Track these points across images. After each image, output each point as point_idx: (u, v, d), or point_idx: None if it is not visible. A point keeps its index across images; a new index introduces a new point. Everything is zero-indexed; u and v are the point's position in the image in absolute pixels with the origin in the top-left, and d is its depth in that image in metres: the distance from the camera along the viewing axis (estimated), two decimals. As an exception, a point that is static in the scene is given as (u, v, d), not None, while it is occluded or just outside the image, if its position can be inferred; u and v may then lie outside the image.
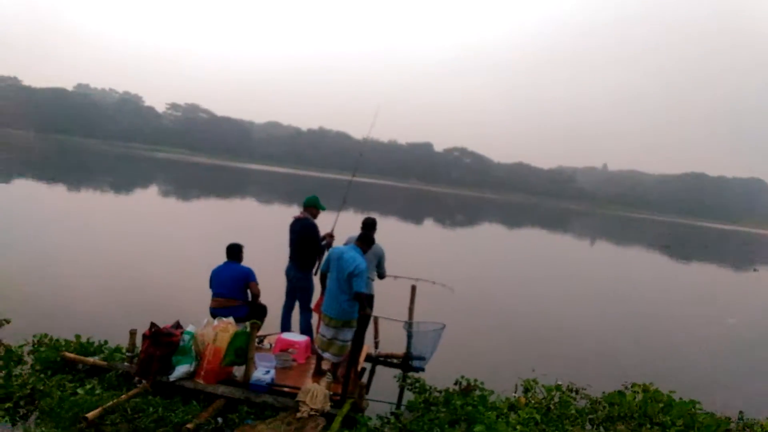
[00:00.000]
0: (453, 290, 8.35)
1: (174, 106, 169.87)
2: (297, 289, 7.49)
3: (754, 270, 35.75)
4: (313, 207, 7.66)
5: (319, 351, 6.33)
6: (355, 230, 6.85)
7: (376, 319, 7.84)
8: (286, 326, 7.64)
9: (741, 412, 7.32)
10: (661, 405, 7.06)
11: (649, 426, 6.61)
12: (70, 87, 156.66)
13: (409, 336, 7.61)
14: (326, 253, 6.72)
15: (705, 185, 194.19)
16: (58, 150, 74.61)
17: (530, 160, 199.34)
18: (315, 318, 7.26)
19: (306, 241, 7.33)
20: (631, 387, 7.74)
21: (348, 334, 6.20)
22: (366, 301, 6.84)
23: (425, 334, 7.40)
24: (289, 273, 7.49)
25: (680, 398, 7.26)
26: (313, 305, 7.35)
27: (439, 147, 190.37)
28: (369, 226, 7.00)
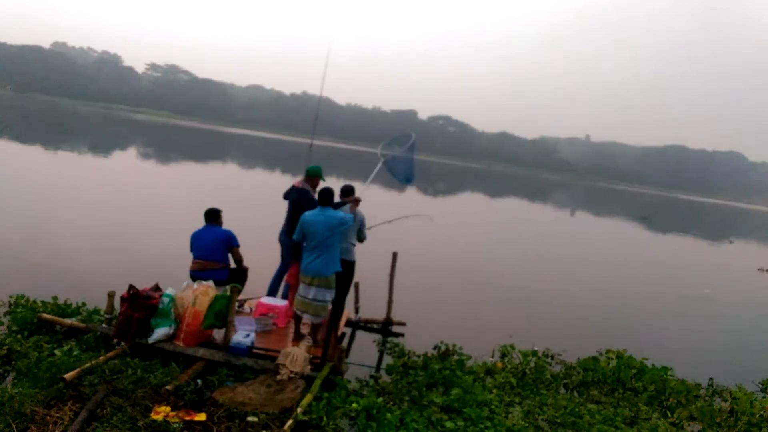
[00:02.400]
0: (432, 219, 8.52)
1: (154, 67, 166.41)
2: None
3: (730, 242, 36.47)
4: (316, 177, 7.57)
5: (299, 312, 6.37)
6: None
7: (356, 284, 7.87)
8: (273, 290, 7.62)
9: (711, 379, 7.54)
10: (634, 371, 7.23)
11: (621, 391, 6.78)
12: (46, 45, 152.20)
13: (388, 164, 7.77)
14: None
15: (686, 158, 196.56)
16: (35, 110, 72.83)
17: (514, 130, 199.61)
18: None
19: (300, 212, 7.22)
20: (605, 353, 7.90)
21: (327, 295, 6.25)
22: (350, 266, 6.92)
23: (401, 158, 7.81)
24: (282, 239, 7.44)
25: (653, 365, 7.44)
26: (286, 277, 7.35)
27: (423, 115, 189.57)
28: (347, 192, 7.18)
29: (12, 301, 6.68)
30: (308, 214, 6.32)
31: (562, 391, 6.67)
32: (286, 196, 7.56)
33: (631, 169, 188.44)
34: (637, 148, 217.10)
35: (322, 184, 7.52)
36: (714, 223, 60.21)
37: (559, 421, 5.56)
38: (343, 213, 6.42)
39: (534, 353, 7.51)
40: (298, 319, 6.54)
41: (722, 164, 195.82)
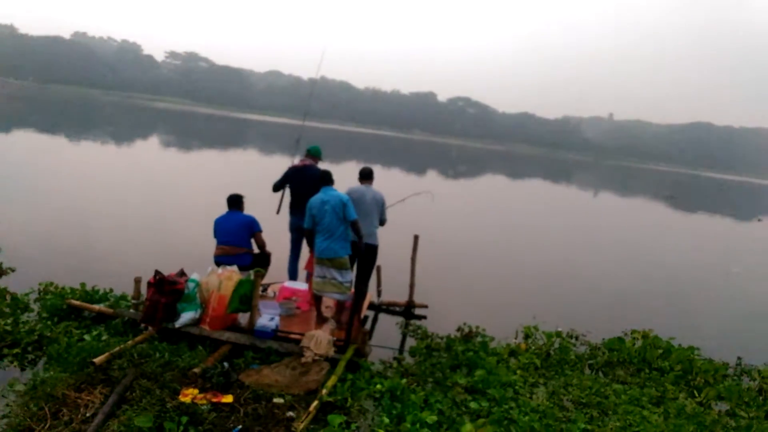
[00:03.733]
0: (433, 197, 8.73)
1: (173, 55, 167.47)
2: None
3: (758, 220, 35.71)
4: (318, 156, 7.82)
5: (319, 293, 6.45)
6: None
7: (378, 268, 7.89)
8: (293, 274, 7.73)
9: (739, 358, 7.43)
10: (660, 351, 7.15)
11: (647, 371, 6.72)
12: (67, 35, 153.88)
13: None
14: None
15: (712, 135, 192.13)
16: (57, 100, 73.89)
17: (535, 110, 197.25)
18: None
19: (314, 189, 7.22)
20: (631, 333, 7.83)
21: (346, 276, 6.34)
22: (373, 250, 6.93)
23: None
24: (297, 224, 7.46)
25: (679, 344, 7.35)
26: (304, 265, 7.39)
27: (442, 97, 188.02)
28: (367, 174, 7.18)
29: (41, 288, 6.83)
30: (314, 200, 6.37)
31: (587, 371, 6.62)
32: (285, 179, 7.64)
33: (655, 147, 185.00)
34: (662, 125, 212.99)
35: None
36: (742, 201, 58.98)
37: (584, 401, 5.53)
38: (341, 193, 6.44)
39: (558, 334, 7.47)
40: (318, 302, 6.59)
41: (749, 141, 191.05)
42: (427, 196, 8.74)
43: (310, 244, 6.67)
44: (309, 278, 7.07)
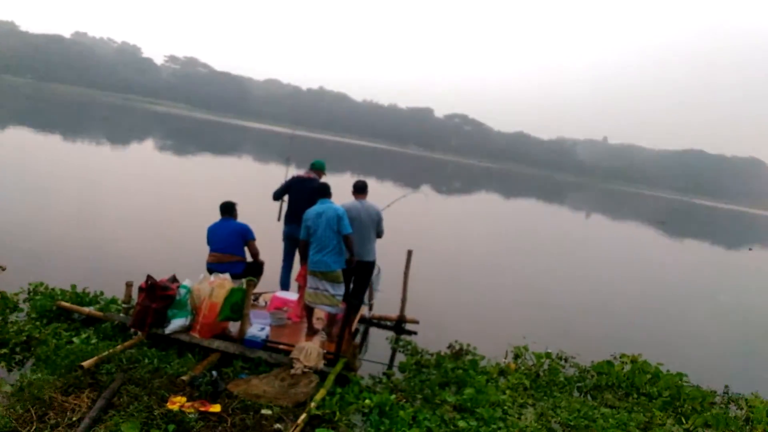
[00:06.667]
0: (426, 197, 8.69)
1: (172, 59, 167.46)
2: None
3: (749, 249, 35.98)
4: (321, 171, 7.90)
5: (311, 304, 6.42)
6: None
7: (370, 283, 7.88)
8: (285, 284, 7.71)
9: (726, 386, 7.46)
10: (648, 376, 7.17)
11: (636, 396, 6.73)
12: (67, 34, 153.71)
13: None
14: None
15: (704, 163, 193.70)
16: (55, 99, 73.70)
17: (531, 130, 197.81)
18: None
19: (312, 201, 7.23)
20: (620, 357, 7.84)
21: (338, 289, 6.32)
22: (369, 266, 6.91)
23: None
24: (291, 233, 7.47)
25: (668, 370, 7.37)
26: (295, 277, 7.38)
27: (439, 113, 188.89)
28: (360, 188, 7.09)
29: (31, 289, 6.78)
30: (310, 211, 6.39)
31: (576, 394, 6.63)
32: (286, 188, 7.70)
33: (648, 172, 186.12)
34: (655, 151, 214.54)
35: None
36: (732, 229, 59.41)
37: (572, 424, 5.53)
38: (338, 206, 6.43)
39: (548, 355, 7.48)
40: (310, 314, 6.57)
41: (741, 170, 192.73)
42: (420, 197, 8.78)
43: (303, 256, 6.65)
44: (300, 290, 7.05)
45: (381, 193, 7.61)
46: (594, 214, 46.84)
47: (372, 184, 7.48)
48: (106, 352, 5.08)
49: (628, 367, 7.44)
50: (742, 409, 6.87)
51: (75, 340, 5.43)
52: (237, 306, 5.89)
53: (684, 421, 6.14)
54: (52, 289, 6.71)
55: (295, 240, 7.16)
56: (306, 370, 5.42)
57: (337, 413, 4.86)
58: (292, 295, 7.28)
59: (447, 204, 32.48)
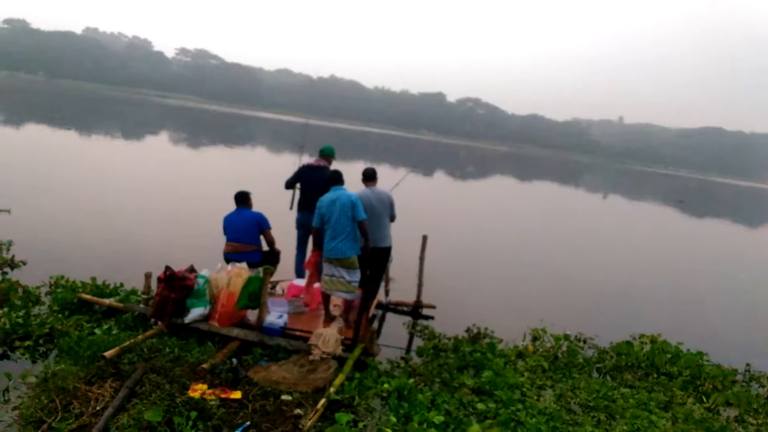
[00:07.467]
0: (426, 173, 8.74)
1: (183, 51, 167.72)
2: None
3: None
4: (331, 156, 7.92)
5: (328, 292, 6.44)
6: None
7: (387, 268, 7.89)
8: (300, 272, 7.75)
9: (748, 365, 7.39)
10: (668, 356, 7.12)
11: (655, 376, 6.69)
12: (78, 30, 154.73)
13: None
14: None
15: (723, 140, 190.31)
16: (67, 95, 74.32)
17: (545, 112, 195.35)
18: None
19: (324, 189, 7.24)
20: (639, 338, 7.80)
21: (354, 276, 6.33)
22: (385, 252, 6.91)
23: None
24: (304, 221, 7.50)
25: (688, 350, 7.32)
26: (304, 264, 7.40)
27: (452, 97, 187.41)
28: (369, 175, 7.08)
29: (53, 282, 6.89)
30: (323, 199, 6.40)
31: (595, 375, 6.60)
32: (297, 177, 7.72)
33: (665, 151, 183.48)
34: (672, 129, 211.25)
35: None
36: (754, 207, 58.53)
37: (592, 404, 5.52)
38: (351, 193, 6.44)
39: (566, 337, 7.46)
40: (327, 301, 6.60)
41: (761, 146, 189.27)
42: (428, 178, 8.78)
43: (316, 243, 6.66)
44: (308, 277, 7.06)
45: (395, 180, 7.59)
46: (611, 195, 46.37)
47: (385, 170, 7.48)
48: (127, 342, 5.15)
49: (647, 348, 7.40)
50: (764, 386, 6.82)
51: (97, 331, 5.51)
52: (254, 294, 5.94)
53: (705, 400, 6.10)
54: (73, 282, 6.81)
55: (308, 227, 7.20)
56: (324, 356, 5.46)
57: (356, 398, 4.90)
58: (309, 283, 7.30)
59: (461, 188, 32.35)
